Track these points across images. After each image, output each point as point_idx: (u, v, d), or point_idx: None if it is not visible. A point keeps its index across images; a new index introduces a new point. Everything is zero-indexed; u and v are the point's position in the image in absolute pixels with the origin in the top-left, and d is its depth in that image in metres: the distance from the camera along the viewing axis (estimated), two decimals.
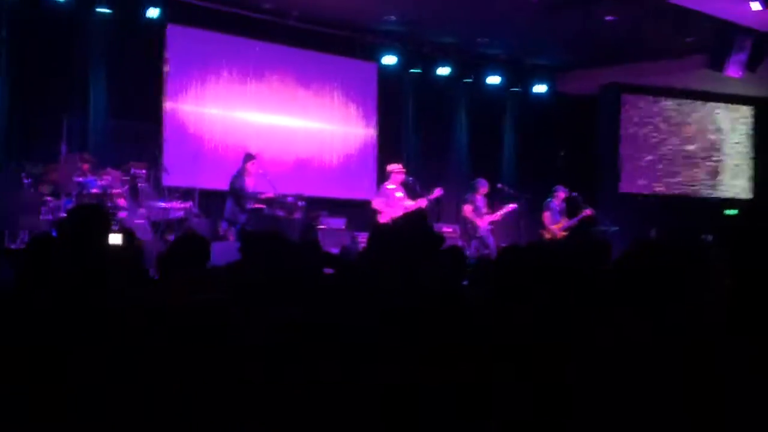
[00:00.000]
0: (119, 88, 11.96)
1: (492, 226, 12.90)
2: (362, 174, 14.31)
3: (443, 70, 14.91)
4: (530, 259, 3.64)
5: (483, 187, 12.90)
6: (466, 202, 12.92)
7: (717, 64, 12.65)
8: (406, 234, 3.22)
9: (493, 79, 15.48)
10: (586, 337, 2.87)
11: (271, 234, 3.48)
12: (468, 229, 12.89)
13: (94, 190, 10.13)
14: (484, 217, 12.78)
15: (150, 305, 3.31)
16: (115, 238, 4.27)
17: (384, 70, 14.52)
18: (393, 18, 13.26)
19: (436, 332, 2.77)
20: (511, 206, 13.03)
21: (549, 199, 13.49)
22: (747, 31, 12.36)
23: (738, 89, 15.87)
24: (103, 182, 10.27)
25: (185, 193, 11.42)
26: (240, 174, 11.20)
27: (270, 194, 11.40)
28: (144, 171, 10.91)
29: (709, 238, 13.05)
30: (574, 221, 13.41)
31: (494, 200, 13.29)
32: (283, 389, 2.60)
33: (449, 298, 3.19)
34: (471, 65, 15.26)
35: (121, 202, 10.38)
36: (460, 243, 12.57)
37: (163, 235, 10.50)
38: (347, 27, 13.60)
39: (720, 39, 12.45)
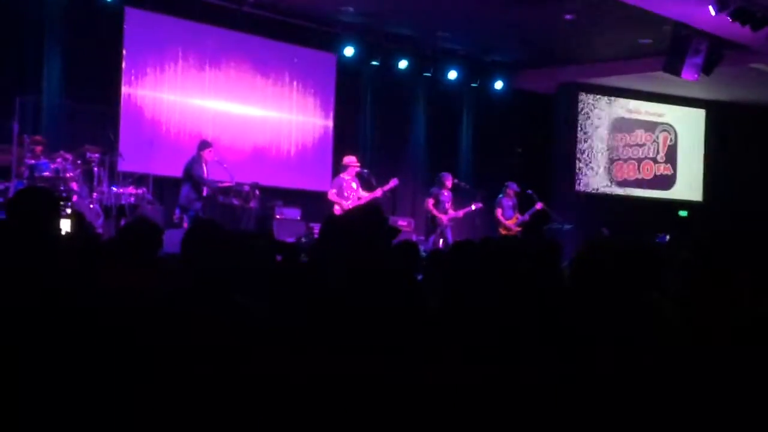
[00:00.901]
0: (75, 69, 11.78)
1: (451, 223, 12.96)
2: (318, 165, 14.27)
3: (402, 64, 14.90)
4: (481, 256, 3.67)
5: (448, 182, 12.94)
6: (429, 195, 12.97)
7: (673, 66, 12.80)
8: (359, 226, 3.22)
9: (452, 74, 15.50)
10: (534, 338, 2.89)
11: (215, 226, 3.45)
12: (428, 222, 12.95)
13: (46, 173, 9.99)
14: (446, 212, 12.84)
15: (98, 291, 3.27)
16: (65, 224, 4.21)
17: (343, 62, 14.47)
18: (351, 9, 13.22)
19: (384, 324, 2.77)
20: (476, 205, 13.10)
21: (500, 196, 13.61)
22: (703, 35, 12.52)
23: (693, 92, 16.10)
24: (56, 165, 10.12)
25: (140, 179, 11.33)
26: (195, 161, 11.11)
27: (226, 182, 11.34)
28: (98, 155, 10.75)
29: (666, 237, 13.24)
30: (526, 216, 13.54)
31: (453, 196, 13.34)
32: (231, 381, 2.58)
33: (400, 291, 3.20)
34: (430, 59, 15.26)
35: (74, 185, 10.24)
36: (414, 237, 12.63)
37: (115, 220, 10.39)
38: (306, 16, 13.53)
39: (676, 42, 12.59)
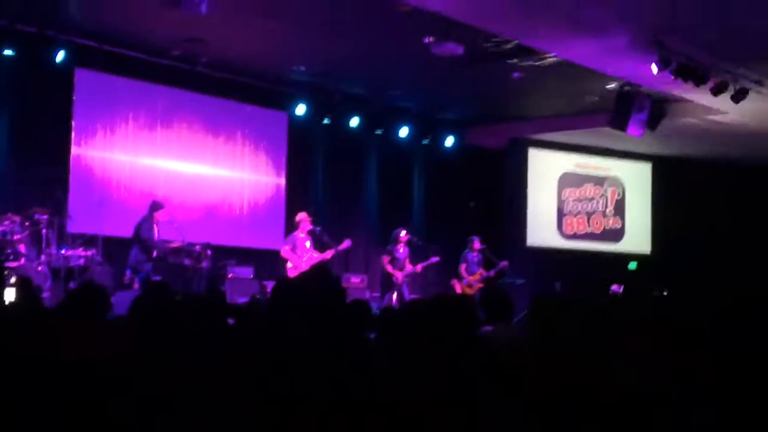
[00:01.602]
0: (24, 131, 11.69)
1: (408, 278, 13.00)
2: (271, 223, 14.24)
3: (354, 121, 14.99)
4: (433, 316, 3.68)
5: (402, 238, 13.01)
6: (385, 252, 13.02)
7: (618, 122, 13.06)
8: (309, 288, 3.22)
9: (403, 132, 15.63)
10: (489, 398, 2.90)
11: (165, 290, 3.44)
12: (383, 280, 12.99)
13: None
14: (402, 269, 12.87)
15: (44, 357, 3.22)
16: (10, 293, 4.13)
17: (294, 120, 14.52)
18: (302, 69, 13.32)
19: (333, 383, 2.77)
20: (434, 259, 13.18)
21: (465, 251, 13.70)
22: (646, 92, 12.82)
23: (639, 147, 16.41)
24: (3, 228, 10.00)
25: (89, 240, 11.20)
26: (145, 221, 11.05)
27: (177, 243, 11.28)
28: (47, 217, 10.64)
29: (620, 289, 13.40)
30: (492, 272, 13.64)
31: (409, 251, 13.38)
32: None
33: (350, 350, 3.20)
34: (381, 117, 15.38)
35: (22, 248, 10.12)
36: (368, 294, 12.63)
37: (64, 283, 10.25)
38: (257, 75, 13.60)
39: (621, 99, 12.87)
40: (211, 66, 13.06)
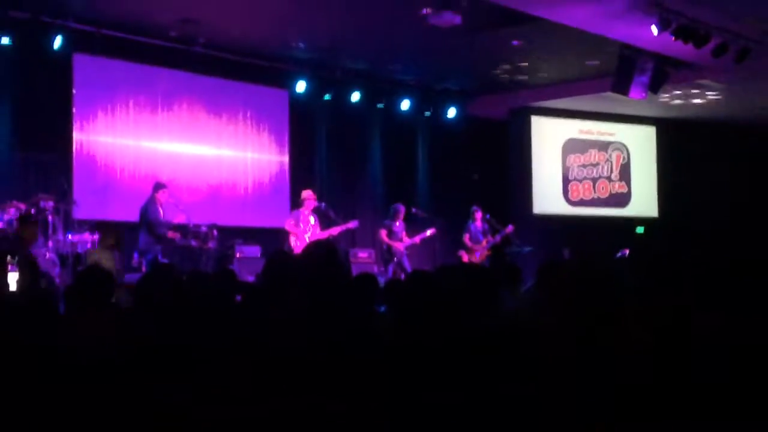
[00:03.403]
0: (25, 119, 11.69)
1: (408, 251, 13.02)
2: (276, 201, 14.24)
3: (355, 96, 14.95)
4: (437, 285, 3.67)
5: (400, 213, 13.04)
6: (382, 227, 13.04)
7: (620, 87, 12.98)
8: (312, 267, 3.22)
9: (405, 105, 15.58)
10: (506, 367, 2.90)
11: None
12: (384, 253, 13.00)
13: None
14: (401, 241, 12.90)
15: (56, 344, 3.23)
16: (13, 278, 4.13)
17: (296, 97, 14.49)
18: (302, 45, 13.27)
19: (341, 359, 2.77)
20: (431, 231, 13.19)
21: (469, 222, 13.71)
22: (648, 54, 12.73)
23: (642, 110, 16.33)
24: (9, 216, 10.00)
25: (96, 226, 11.22)
26: (150, 204, 11.05)
27: (183, 224, 11.29)
28: (52, 203, 10.65)
29: (626, 253, 13.39)
30: (497, 238, 13.66)
31: (410, 224, 13.40)
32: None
33: (358, 325, 3.20)
34: (382, 91, 15.33)
35: None
36: (375, 268, 12.64)
37: (72, 268, 10.27)
38: (256, 54, 13.55)
39: (622, 63, 12.78)
40: (210, 46, 13.02)
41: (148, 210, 11.01)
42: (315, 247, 3.64)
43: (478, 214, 13.72)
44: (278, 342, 3.03)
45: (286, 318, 2.99)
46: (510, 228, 13.79)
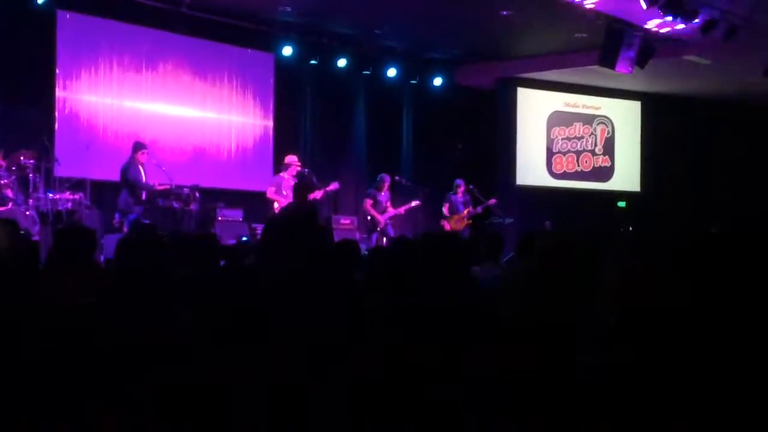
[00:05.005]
0: (7, 75, 11.55)
1: (392, 220, 13.08)
2: (259, 165, 14.20)
3: (341, 62, 14.86)
4: (420, 252, 3.69)
5: (386, 182, 13.11)
6: (367, 196, 13.08)
7: (607, 60, 12.97)
8: (293, 229, 3.22)
9: (391, 72, 15.51)
10: (473, 339, 2.91)
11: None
12: (368, 222, 13.05)
13: None
14: (386, 211, 12.95)
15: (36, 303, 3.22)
16: None
17: (281, 61, 14.40)
18: (289, 9, 13.16)
19: (319, 324, 2.78)
20: (415, 202, 13.25)
21: (450, 193, 13.80)
22: (635, 29, 12.71)
23: (628, 84, 16.34)
24: None
25: (77, 184, 11.16)
26: (131, 164, 10.99)
27: (165, 185, 11.24)
28: (33, 161, 10.57)
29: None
30: (479, 209, 13.77)
31: (394, 193, 13.42)
32: (171, 390, 2.57)
33: (337, 290, 3.21)
34: (369, 57, 15.24)
35: (9, 192, 10.06)
36: (357, 235, 12.66)
37: (52, 227, 10.21)
38: (243, 17, 13.44)
39: (609, 36, 12.77)
40: (196, 7, 12.89)
41: (128, 170, 10.95)
42: (296, 208, 3.63)
43: (461, 189, 13.81)
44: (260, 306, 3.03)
45: (270, 281, 3.00)
46: (493, 201, 13.93)
